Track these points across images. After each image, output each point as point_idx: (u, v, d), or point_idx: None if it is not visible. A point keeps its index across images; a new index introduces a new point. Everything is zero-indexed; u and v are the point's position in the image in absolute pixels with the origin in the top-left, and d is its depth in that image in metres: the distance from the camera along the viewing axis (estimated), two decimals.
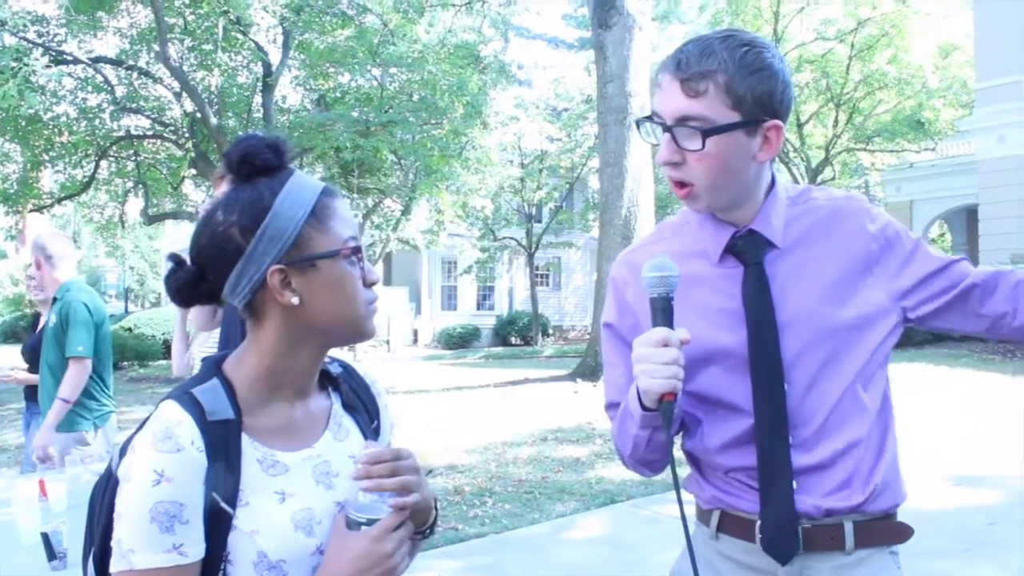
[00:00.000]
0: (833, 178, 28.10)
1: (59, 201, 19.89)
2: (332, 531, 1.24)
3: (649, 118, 1.54)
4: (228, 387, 1.25)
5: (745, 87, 1.46)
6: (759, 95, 1.47)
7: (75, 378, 4.40)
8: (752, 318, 1.55)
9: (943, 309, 1.64)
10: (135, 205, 21.62)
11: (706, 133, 1.46)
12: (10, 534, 2.80)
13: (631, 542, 5.61)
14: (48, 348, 4.53)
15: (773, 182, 1.63)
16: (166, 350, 20.54)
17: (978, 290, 1.63)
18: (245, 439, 1.23)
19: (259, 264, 1.22)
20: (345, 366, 1.48)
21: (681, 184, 1.53)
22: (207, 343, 3.98)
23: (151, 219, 20.59)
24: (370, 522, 1.22)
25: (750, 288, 1.56)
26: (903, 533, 1.63)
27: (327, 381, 1.41)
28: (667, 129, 1.50)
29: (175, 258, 1.29)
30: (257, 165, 1.26)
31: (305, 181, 1.28)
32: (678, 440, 1.71)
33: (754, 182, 1.57)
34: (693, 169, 1.50)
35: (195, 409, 1.19)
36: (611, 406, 1.72)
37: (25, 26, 14.44)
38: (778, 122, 1.50)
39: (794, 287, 1.57)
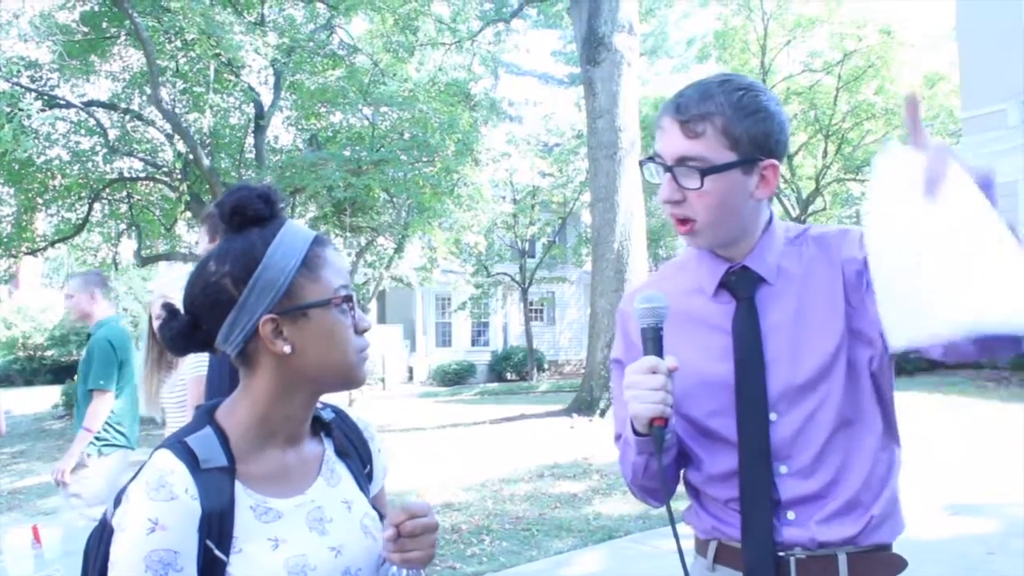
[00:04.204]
0: (824, 208, 28.23)
1: (53, 244, 19.89)
2: None
3: (652, 159, 1.60)
4: (221, 435, 1.26)
5: (741, 129, 1.52)
6: (755, 136, 1.53)
7: (97, 409, 4.75)
8: (740, 351, 1.59)
9: None
10: (128, 247, 21.61)
11: (704, 172, 1.52)
12: None
13: None
14: (80, 380, 4.93)
15: (771, 220, 1.68)
16: None
17: None
18: (238, 486, 1.24)
19: (251, 314, 1.25)
20: (338, 411, 1.49)
21: (682, 221, 1.59)
22: (176, 387, 3.97)
23: (144, 261, 20.56)
24: None
25: (740, 322, 1.61)
26: (897, 565, 1.64)
27: (320, 427, 1.42)
28: (668, 169, 1.56)
29: (169, 308, 1.32)
30: (248, 216, 1.29)
31: (296, 231, 1.30)
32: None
33: (751, 219, 1.62)
34: (693, 207, 1.56)
35: (188, 457, 1.20)
36: (618, 437, 1.76)
37: (19, 71, 14.52)
38: (774, 161, 1.57)
39: (785, 323, 1.60)
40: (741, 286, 1.63)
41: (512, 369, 27.65)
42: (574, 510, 7.44)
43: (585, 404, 13.63)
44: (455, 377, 26.73)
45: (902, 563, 1.64)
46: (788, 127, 1.60)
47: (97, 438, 4.74)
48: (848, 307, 1.62)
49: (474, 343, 29.74)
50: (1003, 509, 6.68)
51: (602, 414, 13.10)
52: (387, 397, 21.68)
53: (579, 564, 5.99)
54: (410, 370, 27.88)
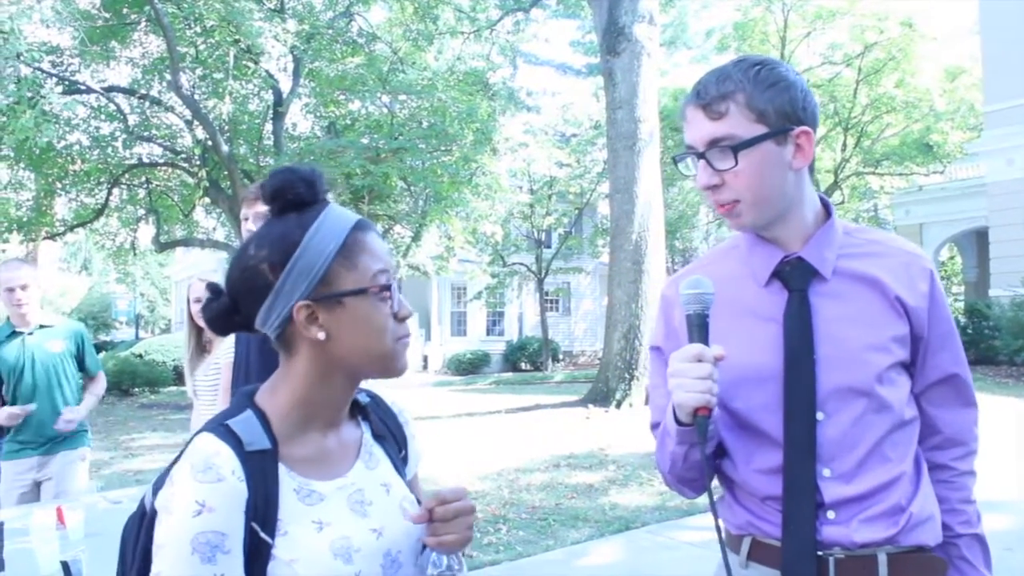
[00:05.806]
0: (842, 202, 28.07)
1: (72, 229, 20.05)
2: None
3: (684, 154, 1.60)
4: (262, 418, 1.26)
5: (765, 100, 1.52)
6: (780, 106, 1.52)
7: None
8: (790, 344, 1.56)
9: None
10: (147, 232, 21.76)
11: (736, 149, 1.51)
12: (28, 563, 2.79)
13: (646, 568, 5.57)
14: (66, 369, 4.68)
15: (830, 213, 1.66)
16: (177, 376, 20.58)
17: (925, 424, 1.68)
18: (282, 469, 1.24)
19: (287, 299, 1.25)
20: (372, 396, 1.49)
21: (724, 204, 1.57)
22: (210, 370, 4.00)
23: (162, 246, 20.70)
24: None
25: (791, 315, 1.58)
26: (937, 567, 1.60)
27: (356, 410, 1.42)
28: (700, 156, 1.55)
29: (213, 287, 1.32)
30: (289, 199, 1.28)
31: (337, 216, 1.29)
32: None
33: (795, 194, 1.60)
34: (733, 187, 1.55)
35: (232, 440, 1.20)
36: (655, 426, 1.74)
37: (40, 57, 14.60)
38: (806, 128, 1.55)
39: (839, 322, 1.57)
40: (795, 277, 1.60)
41: (527, 359, 27.67)
42: (590, 500, 7.44)
43: (601, 395, 13.62)
44: (469, 366, 26.77)
45: (943, 565, 1.60)
46: (812, 95, 1.58)
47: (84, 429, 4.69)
48: (902, 322, 1.59)
49: (489, 333, 29.77)
50: (1020, 505, 6.64)
51: (618, 405, 13.10)
52: (402, 385, 21.72)
53: (596, 554, 5.99)
54: (425, 359, 27.94)
